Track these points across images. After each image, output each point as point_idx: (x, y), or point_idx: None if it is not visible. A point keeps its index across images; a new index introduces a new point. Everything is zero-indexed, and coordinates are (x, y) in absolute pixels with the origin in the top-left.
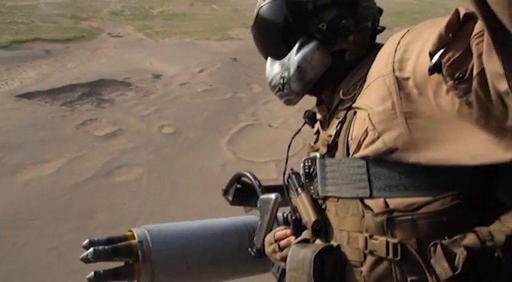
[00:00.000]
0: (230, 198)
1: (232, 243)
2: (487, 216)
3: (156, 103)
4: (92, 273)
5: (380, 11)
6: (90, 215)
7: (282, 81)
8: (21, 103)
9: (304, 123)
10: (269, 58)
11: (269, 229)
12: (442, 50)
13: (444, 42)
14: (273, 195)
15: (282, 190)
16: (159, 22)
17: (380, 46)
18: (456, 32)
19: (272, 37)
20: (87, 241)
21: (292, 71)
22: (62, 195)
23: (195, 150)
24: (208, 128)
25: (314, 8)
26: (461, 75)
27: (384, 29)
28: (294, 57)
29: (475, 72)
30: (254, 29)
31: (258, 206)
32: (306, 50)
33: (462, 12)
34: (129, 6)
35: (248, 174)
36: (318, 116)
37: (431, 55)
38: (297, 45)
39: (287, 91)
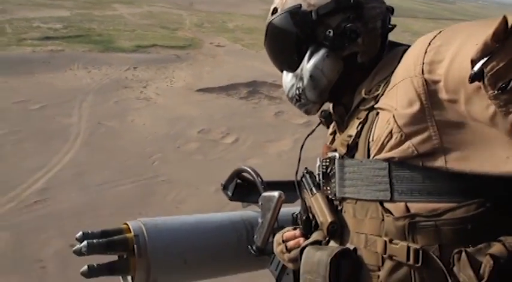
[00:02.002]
0: (230, 193)
1: (230, 239)
2: (511, 224)
3: None
4: (86, 267)
5: (391, 10)
6: None
7: (297, 92)
8: (206, 96)
9: (320, 123)
10: (284, 71)
11: (271, 228)
12: (485, 59)
13: (489, 51)
14: (276, 193)
15: (284, 186)
16: (243, 35)
17: (402, 47)
18: (502, 40)
19: (283, 50)
20: (80, 233)
21: (305, 80)
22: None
23: None
24: None
25: (318, 17)
26: (503, 85)
27: (395, 26)
28: (306, 66)
29: None
30: (266, 44)
31: (260, 203)
32: (316, 58)
33: (511, 21)
34: (204, 20)
35: (249, 170)
36: (334, 117)
37: (474, 63)
38: (307, 55)
39: (304, 101)
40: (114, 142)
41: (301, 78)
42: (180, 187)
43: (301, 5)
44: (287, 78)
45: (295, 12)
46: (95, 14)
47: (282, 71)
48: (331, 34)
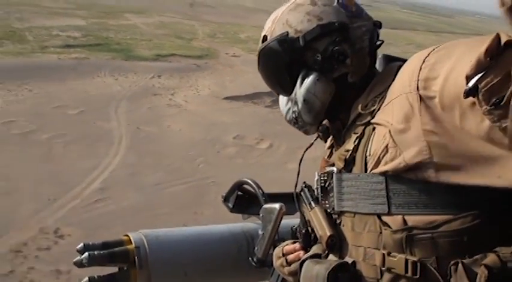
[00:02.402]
0: (230, 205)
1: (231, 251)
2: (507, 235)
3: None
4: (86, 278)
5: (379, 25)
6: None
7: (294, 115)
8: (234, 104)
9: (317, 137)
10: (280, 95)
11: (272, 239)
12: (479, 75)
13: (483, 67)
14: (276, 205)
15: (285, 198)
16: (256, 46)
17: (397, 63)
18: (496, 57)
19: (276, 76)
20: (81, 245)
21: (300, 104)
22: None
23: None
24: None
25: (305, 43)
26: (497, 101)
27: (382, 42)
28: (299, 91)
29: None
30: (259, 71)
31: (261, 215)
32: (307, 82)
33: (504, 39)
34: (216, 31)
35: (251, 182)
36: (332, 131)
37: (468, 79)
38: (299, 80)
39: (301, 123)
40: (156, 146)
41: (296, 103)
42: (228, 188)
43: (288, 32)
44: (283, 102)
45: (283, 40)
46: (110, 23)
47: (278, 95)
48: (320, 58)
